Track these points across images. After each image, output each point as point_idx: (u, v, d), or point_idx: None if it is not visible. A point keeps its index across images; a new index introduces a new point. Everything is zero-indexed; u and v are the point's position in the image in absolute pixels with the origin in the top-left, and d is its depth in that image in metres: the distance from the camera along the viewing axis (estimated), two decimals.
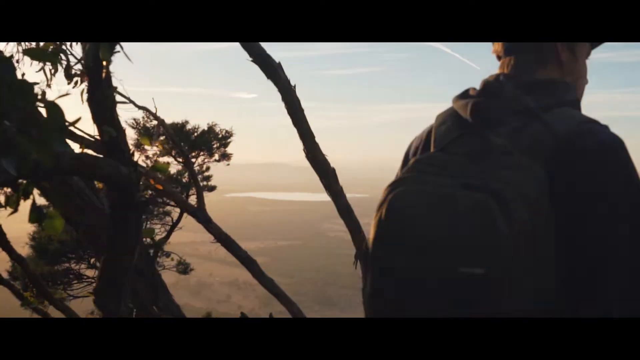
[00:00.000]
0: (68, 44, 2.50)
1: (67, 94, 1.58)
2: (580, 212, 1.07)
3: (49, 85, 2.82)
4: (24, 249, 8.04)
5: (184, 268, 10.26)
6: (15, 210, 1.34)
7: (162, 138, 8.59)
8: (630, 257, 1.05)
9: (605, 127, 1.14)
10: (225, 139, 10.46)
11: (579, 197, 1.07)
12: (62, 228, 1.40)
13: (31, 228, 8.13)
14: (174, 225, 9.16)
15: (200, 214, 5.21)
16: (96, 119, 1.72)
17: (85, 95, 1.77)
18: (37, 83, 2.19)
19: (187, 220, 6.99)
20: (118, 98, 2.30)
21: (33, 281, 4.01)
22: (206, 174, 10.59)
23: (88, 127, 1.84)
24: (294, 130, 3.83)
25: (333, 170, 3.92)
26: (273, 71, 3.60)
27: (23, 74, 2.59)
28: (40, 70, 2.73)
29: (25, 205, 1.39)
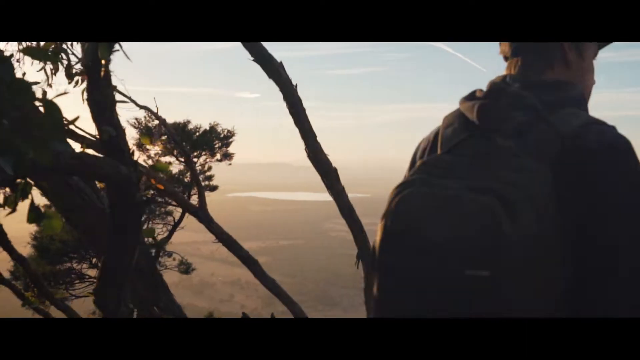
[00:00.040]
0: (69, 43, 2.50)
1: (65, 93, 1.57)
2: (586, 213, 1.06)
3: (50, 85, 2.82)
4: (25, 249, 8.04)
5: (185, 268, 10.26)
6: (14, 210, 1.33)
7: (163, 138, 8.59)
8: (636, 257, 1.04)
9: (612, 128, 1.14)
10: (227, 138, 10.46)
11: (586, 198, 1.07)
12: (60, 228, 1.39)
13: (33, 228, 8.12)
14: (175, 225, 9.16)
15: (201, 214, 5.21)
16: (96, 118, 1.71)
17: (85, 95, 1.77)
18: (38, 82, 2.19)
19: (189, 220, 7.00)
20: (118, 97, 2.29)
21: (34, 281, 4.01)
22: (208, 173, 10.59)
23: (90, 126, 1.84)
24: (296, 130, 3.82)
25: (335, 169, 3.91)
26: (274, 71, 3.60)
27: (24, 74, 2.59)
28: (41, 69, 2.73)
29: (27, 205, 1.38)
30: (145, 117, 9.42)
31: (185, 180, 9.55)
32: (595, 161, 1.08)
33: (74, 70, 2.47)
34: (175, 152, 9.01)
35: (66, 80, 2.48)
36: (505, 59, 1.35)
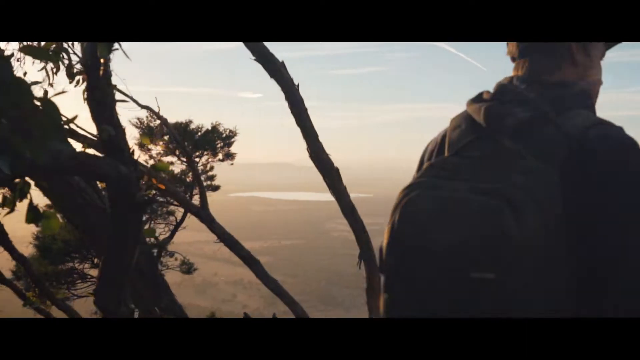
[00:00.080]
0: (70, 43, 2.49)
1: (63, 92, 1.56)
2: (593, 213, 1.06)
3: (51, 85, 2.81)
4: (27, 249, 8.04)
5: (187, 268, 10.24)
6: (12, 210, 1.32)
7: (166, 138, 8.59)
8: None
9: (620, 129, 1.14)
10: (229, 138, 10.44)
11: (592, 199, 1.07)
12: (58, 228, 1.38)
13: (35, 227, 8.07)
14: (177, 225, 9.15)
15: (203, 214, 5.20)
16: (95, 117, 1.70)
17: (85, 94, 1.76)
18: (39, 82, 2.19)
19: (191, 219, 6.99)
20: (118, 97, 2.28)
21: (35, 281, 4.01)
22: (210, 173, 10.57)
23: (92, 126, 1.83)
24: (299, 130, 3.82)
25: (337, 169, 3.90)
26: (276, 70, 3.59)
27: (25, 73, 2.58)
28: (42, 69, 2.72)
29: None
30: (147, 117, 9.41)
31: (187, 180, 9.54)
32: (601, 162, 1.08)
33: (74, 70, 2.47)
34: (177, 152, 9.01)
35: (68, 80, 2.47)
36: (513, 59, 1.35)
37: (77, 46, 2.59)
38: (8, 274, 6.60)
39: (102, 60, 1.59)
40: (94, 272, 8.67)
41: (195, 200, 7.22)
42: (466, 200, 1.03)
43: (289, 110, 3.75)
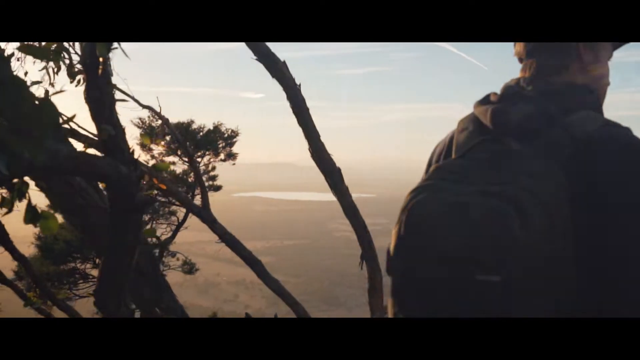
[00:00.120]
0: (71, 43, 2.48)
1: (62, 91, 1.55)
2: (600, 214, 1.06)
3: (52, 84, 2.80)
4: (29, 249, 8.04)
5: (189, 268, 10.24)
6: (10, 210, 1.32)
7: (167, 138, 8.59)
8: None
9: (627, 130, 1.13)
10: (231, 138, 10.44)
11: (600, 199, 1.06)
12: (57, 228, 1.37)
13: (38, 228, 8.07)
14: (179, 225, 9.15)
15: (204, 214, 5.18)
16: (95, 117, 1.69)
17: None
18: (40, 82, 2.18)
19: (194, 219, 6.97)
20: (118, 96, 2.27)
21: (36, 281, 4.00)
22: (212, 173, 10.57)
23: (93, 125, 1.82)
24: (301, 130, 3.81)
25: (338, 169, 3.89)
26: (278, 70, 3.58)
27: (26, 73, 2.57)
28: (43, 69, 2.71)
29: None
30: (148, 117, 9.41)
31: (189, 180, 9.53)
32: (609, 162, 1.08)
33: (75, 69, 2.46)
34: (179, 152, 9.00)
35: (71, 80, 2.47)
36: (520, 60, 1.35)
37: (78, 46, 2.58)
38: (10, 274, 6.60)
39: (101, 59, 1.58)
40: (96, 272, 8.66)
41: (197, 200, 7.22)
42: (472, 203, 1.03)
43: (291, 110, 3.74)
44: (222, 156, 10.51)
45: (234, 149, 10.66)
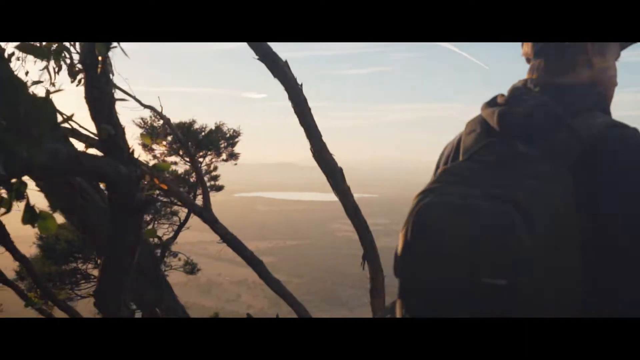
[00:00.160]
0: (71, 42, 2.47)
1: (60, 90, 1.54)
2: (607, 214, 1.06)
3: (53, 84, 2.79)
4: (31, 249, 8.04)
5: (191, 268, 10.23)
6: (8, 210, 1.30)
7: (169, 138, 8.58)
8: None
9: (635, 130, 1.13)
10: (232, 138, 10.42)
11: (606, 199, 1.06)
12: (55, 228, 1.36)
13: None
14: (181, 225, 9.14)
15: (206, 214, 5.18)
16: (94, 116, 1.68)
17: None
18: (41, 82, 2.16)
19: (196, 219, 6.97)
20: (120, 95, 2.26)
21: (36, 281, 4.00)
22: (214, 173, 10.56)
23: (93, 125, 1.81)
24: (303, 130, 3.80)
25: (340, 169, 3.89)
26: (279, 70, 3.57)
27: (27, 72, 2.56)
28: (44, 68, 2.70)
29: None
30: (150, 117, 9.40)
31: (191, 180, 9.53)
32: (616, 163, 1.08)
33: (76, 69, 2.45)
34: (180, 152, 8.99)
35: (72, 79, 2.46)
36: (528, 61, 1.35)
37: (79, 45, 2.57)
38: (12, 274, 6.60)
39: (99, 58, 1.57)
40: (97, 273, 8.64)
41: (199, 200, 7.21)
42: (478, 206, 1.04)
43: (293, 110, 3.74)
44: (223, 156, 10.50)
45: (236, 149, 10.65)
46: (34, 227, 1.33)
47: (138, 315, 3.50)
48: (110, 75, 1.75)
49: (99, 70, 1.58)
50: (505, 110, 1.21)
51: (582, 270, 1.04)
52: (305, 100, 3.68)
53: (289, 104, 3.72)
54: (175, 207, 9.32)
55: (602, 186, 1.07)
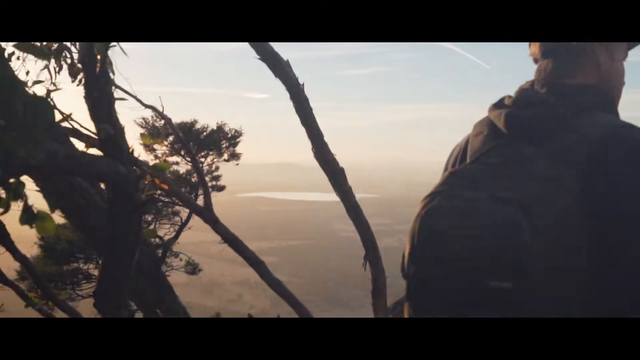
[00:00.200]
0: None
1: (57, 89, 1.53)
2: (613, 215, 1.05)
3: (53, 84, 2.78)
4: (33, 249, 8.03)
5: (192, 268, 10.21)
6: (6, 210, 1.30)
7: (171, 138, 8.57)
8: None
9: None
10: (234, 138, 10.40)
11: (613, 200, 1.05)
12: (54, 229, 1.35)
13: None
14: (182, 225, 9.12)
15: (207, 214, 5.17)
16: (93, 116, 1.67)
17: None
18: (42, 81, 2.15)
19: (198, 220, 6.97)
20: (119, 95, 2.25)
21: (37, 282, 3.99)
22: (215, 173, 10.54)
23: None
24: (305, 130, 3.80)
25: (342, 169, 3.88)
26: (281, 69, 3.57)
27: (27, 72, 2.55)
28: (44, 68, 2.69)
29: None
30: (152, 116, 9.39)
31: (193, 180, 9.51)
32: (622, 164, 1.07)
33: (77, 68, 2.44)
34: (182, 152, 8.98)
35: (72, 79, 2.45)
36: (535, 61, 1.35)
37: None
38: (13, 275, 6.59)
39: (98, 57, 1.56)
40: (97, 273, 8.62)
41: (201, 200, 7.20)
42: (483, 209, 1.05)
43: (295, 110, 3.73)
44: (225, 156, 10.48)
45: (238, 149, 10.63)
46: (31, 227, 1.32)
47: (138, 315, 3.50)
48: (111, 75, 1.74)
49: (97, 69, 1.57)
50: (512, 112, 1.20)
51: (587, 272, 1.04)
52: (306, 100, 3.67)
53: (291, 104, 3.72)
54: (177, 207, 9.30)
55: (607, 187, 1.06)
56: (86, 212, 2.61)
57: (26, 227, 1.38)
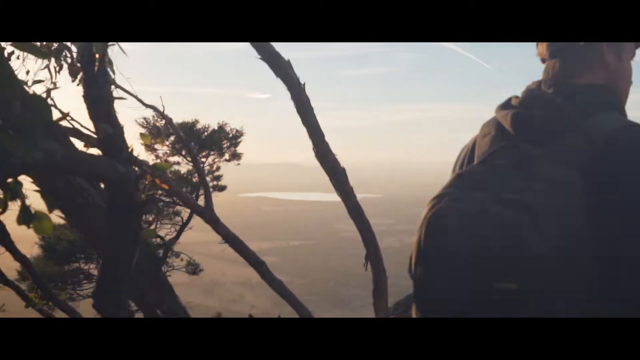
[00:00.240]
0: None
1: (55, 88, 1.53)
2: (619, 215, 1.04)
3: (53, 83, 2.78)
4: (33, 249, 8.03)
5: (193, 269, 10.21)
6: (4, 210, 1.29)
7: (172, 138, 8.57)
8: None
9: None
10: (235, 138, 10.40)
11: (618, 200, 1.05)
12: (51, 229, 1.34)
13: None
14: (183, 225, 9.11)
15: (207, 214, 5.16)
16: (92, 115, 1.66)
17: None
18: (42, 81, 2.14)
19: (199, 220, 6.97)
20: (119, 95, 2.24)
21: (37, 282, 3.99)
22: (216, 173, 10.54)
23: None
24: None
25: (343, 169, 3.87)
26: (282, 69, 3.56)
27: (27, 72, 2.55)
28: (45, 67, 2.69)
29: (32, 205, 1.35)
30: (153, 116, 9.39)
31: (194, 180, 9.51)
32: (628, 163, 1.07)
33: (76, 67, 2.43)
34: (183, 152, 8.98)
35: (72, 79, 2.44)
36: (543, 61, 1.35)
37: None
38: (14, 275, 6.59)
39: (97, 56, 1.55)
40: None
41: (202, 200, 7.19)
42: (488, 211, 1.05)
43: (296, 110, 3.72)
44: (226, 156, 10.48)
45: (239, 149, 10.63)
46: (29, 227, 1.31)
47: (139, 316, 3.48)
48: (111, 74, 1.73)
49: (96, 67, 1.56)
50: (519, 113, 1.20)
51: (594, 272, 1.03)
52: (307, 99, 3.66)
53: (292, 104, 3.70)
54: (178, 207, 9.30)
55: (613, 187, 1.05)
56: (86, 212, 2.60)
57: (27, 227, 1.37)
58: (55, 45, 1.99)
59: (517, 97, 1.27)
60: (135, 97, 4.73)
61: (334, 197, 4.04)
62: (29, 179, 2.32)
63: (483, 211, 1.05)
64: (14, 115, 1.09)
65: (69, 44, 2.19)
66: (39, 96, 1.11)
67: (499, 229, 1.02)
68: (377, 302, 4.20)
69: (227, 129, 10.30)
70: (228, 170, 10.78)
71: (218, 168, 10.53)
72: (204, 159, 10.01)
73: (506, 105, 1.27)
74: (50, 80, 2.74)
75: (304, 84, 3.64)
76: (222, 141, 10.19)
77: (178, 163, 9.24)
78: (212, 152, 10.24)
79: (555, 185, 1.05)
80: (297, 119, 3.76)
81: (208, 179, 9.04)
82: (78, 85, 2.46)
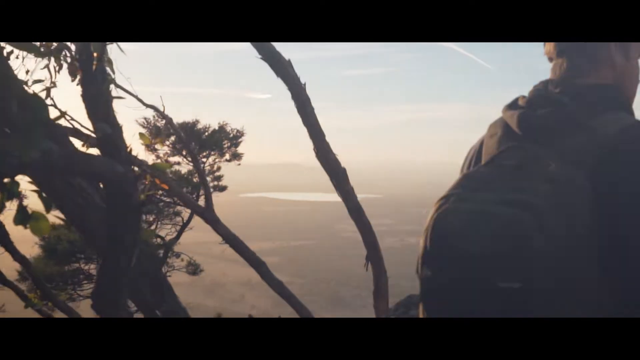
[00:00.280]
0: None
1: (54, 86, 1.52)
2: (625, 215, 1.04)
3: (53, 83, 2.77)
4: (34, 249, 8.03)
5: (193, 269, 10.21)
6: (1, 210, 1.28)
7: (172, 138, 8.57)
8: None
9: None
10: (236, 138, 10.41)
11: (624, 200, 1.05)
12: (48, 230, 1.33)
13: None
14: (184, 226, 9.13)
15: (208, 214, 5.15)
16: (91, 115, 1.65)
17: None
18: (42, 80, 2.13)
19: (199, 220, 6.96)
20: (121, 94, 2.23)
21: (36, 282, 3.98)
22: (217, 174, 10.54)
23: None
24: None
25: (343, 170, 3.85)
26: (282, 69, 3.55)
27: (27, 71, 2.54)
28: (44, 67, 2.68)
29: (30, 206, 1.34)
30: (153, 116, 9.39)
31: (194, 180, 9.51)
32: (633, 163, 1.06)
33: (76, 66, 2.42)
34: (184, 152, 8.98)
35: (72, 78, 2.44)
36: (550, 60, 1.34)
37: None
38: (14, 275, 6.58)
39: (95, 55, 1.54)
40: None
41: (202, 200, 7.18)
42: (493, 212, 1.05)
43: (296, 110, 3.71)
44: (227, 156, 10.48)
45: (241, 150, 10.63)
46: (25, 227, 1.30)
47: (138, 316, 3.48)
48: (111, 74, 1.72)
49: (94, 67, 1.55)
50: (526, 113, 1.21)
51: (598, 272, 1.04)
52: (308, 99, 3.65)
53: (293, 104, 3.69)
54: (178, 208, 9.31)
55: (620, 187, 1.05)
56: (85, 212, 2.60)
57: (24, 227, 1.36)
58: (55, 44, 1.98)
59: (523, 97, 1.27)
60: (136, 97, 4.73)
61: (335, 197, 4.03)
62: (28, 179, 2.31)
63: (488, 212, 1.06)
64: (11, 115, 1.08)
65: (68, 43, 2.19)
66: (37, 95, 1.10)
67: (504, 229, 1.02)
68: (377, 302, 4.19)
69: (228, 129, 10.31)
70: (228, 171, 10.78)
71: (219, 168, 10.54)
72: (204, 159, 10.01)
73: (513, 106, 1.27)
74: (50, 79, 2.73)
75: (305, 84, 3.63)
76: (223, 141, 10.19)
77: (178, 163, 9.25)
78: (212, 152, 10.25)
79: (561, 185, 1.05)
80: (298, 119, 3.75)
81: (208, 179, 9.04)
82: (78, 84, 2.45)
